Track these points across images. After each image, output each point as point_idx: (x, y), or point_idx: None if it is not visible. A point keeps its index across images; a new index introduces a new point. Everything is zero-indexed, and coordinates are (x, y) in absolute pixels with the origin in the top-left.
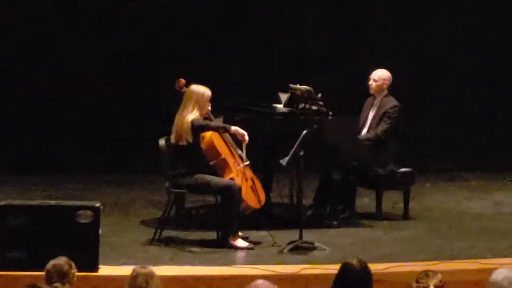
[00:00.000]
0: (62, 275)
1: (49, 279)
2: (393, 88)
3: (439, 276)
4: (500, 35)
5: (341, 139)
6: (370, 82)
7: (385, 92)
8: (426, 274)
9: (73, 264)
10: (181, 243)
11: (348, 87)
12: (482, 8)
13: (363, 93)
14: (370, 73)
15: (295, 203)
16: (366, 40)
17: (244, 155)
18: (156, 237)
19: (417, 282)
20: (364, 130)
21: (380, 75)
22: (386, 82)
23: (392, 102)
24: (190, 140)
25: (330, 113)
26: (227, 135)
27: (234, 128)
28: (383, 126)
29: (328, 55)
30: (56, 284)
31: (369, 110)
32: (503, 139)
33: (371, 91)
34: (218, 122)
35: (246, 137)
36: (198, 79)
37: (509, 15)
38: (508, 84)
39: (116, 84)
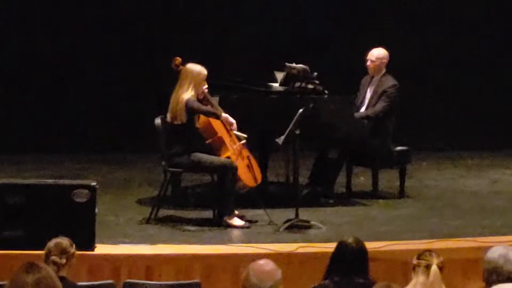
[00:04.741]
0: (61, 251)
1: (48, 257)
2: (391, 66)
3: (441, 258)
4: (498, 18)
5: (337, 118)
6: (368, 63)
7: (384, 71)
8: (430, 253)
9: (73, 245)
10: (177, 222)
11: (345, 66)
12: None
13: (360, 72)
14: (366, 54)
15: (291, 181)
16: (364, 18)
17: (240, 135)
18: (152, 216)
19: (419, 258)
20: (363, 108)
21: (377, 55)
22: (384, 61)
23: (391, 81)
24: (184, 120)
25: (326, 91)
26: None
27: (224, 115)
28: (382, 104)
29: (324, 34)
30: (54, 257)
31: (367, 88)
32: (499, 118)
33: (370, 72)
34: (214, 101)
35: (234, 126)
36: (194, 57)
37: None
38: (505, 64)
39: (113, 62)
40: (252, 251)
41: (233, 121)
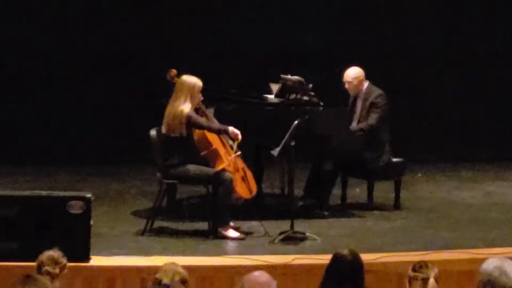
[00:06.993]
0: (54, 262)
1: (40, 268)
2: (384, 79)
3: (436, 270)
4: (490, 27)
5: (332, 130)
6: (346, 85)
7: (365, 84)
8: (426, 265)
9: (65, 257)
10: (172, 234)
11: (340, 78)
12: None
13: None
14: (342, 76)
15: (286, 193)
16: (359, 30)
17: (235, 146)
18: (148, 227)
19: (414, 271)
20: (354, 123)
21: (352, 76)
22: (360, 78)
23: (376, 91)
24: (184, 133)
25: (321, 103)
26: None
27: (231, 129)
28: (373, 116)
29: (319, 46)
30: (47, 268)
31: (356, 103)
32: (493, 130)
33: (351, 93)
34: (209, 112)
35: (240, 136)
36: (189, 69)
37: (499, 5)
38: (498, 74)
39: (107, 74)
40: (247, 263)
41: (238, 132)
